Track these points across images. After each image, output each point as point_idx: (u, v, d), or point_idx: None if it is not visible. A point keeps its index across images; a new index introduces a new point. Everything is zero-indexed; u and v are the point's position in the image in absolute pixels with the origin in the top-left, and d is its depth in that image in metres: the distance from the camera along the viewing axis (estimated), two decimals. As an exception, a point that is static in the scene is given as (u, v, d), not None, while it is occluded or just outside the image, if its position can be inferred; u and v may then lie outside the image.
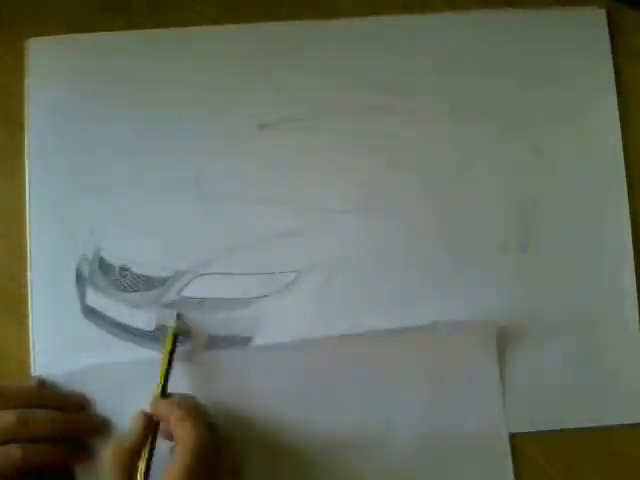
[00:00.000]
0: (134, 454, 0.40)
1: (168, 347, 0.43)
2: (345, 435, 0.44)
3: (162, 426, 0.41)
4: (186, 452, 0.38)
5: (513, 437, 0.45)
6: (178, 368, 0.44)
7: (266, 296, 0.46)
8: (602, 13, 0.48)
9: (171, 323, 0.45)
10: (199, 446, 0.38)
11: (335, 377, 0.45)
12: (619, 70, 0.48)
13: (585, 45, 0.48)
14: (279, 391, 0.45)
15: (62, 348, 0.45)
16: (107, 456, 0.40)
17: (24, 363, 0.45)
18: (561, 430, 0.45)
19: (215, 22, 0.49)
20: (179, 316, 0.45)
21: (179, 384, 0.44)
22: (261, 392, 0.45)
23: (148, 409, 0.42)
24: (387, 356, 0.45)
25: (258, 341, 0.45)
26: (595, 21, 0.48)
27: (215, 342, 0.45)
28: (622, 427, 0.45)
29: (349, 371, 0.45)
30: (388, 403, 0.45)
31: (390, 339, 0.45)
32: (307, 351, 0.45)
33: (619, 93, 0.48)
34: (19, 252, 0.46)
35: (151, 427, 0.41)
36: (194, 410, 0.41)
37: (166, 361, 0.43)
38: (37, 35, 0.48)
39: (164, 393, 0.42)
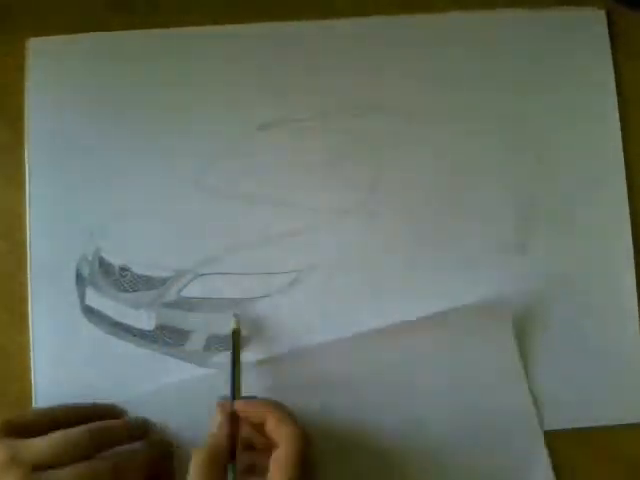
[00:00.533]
0: (225, 454, 0.39)
1: (236, 348, 0.43)
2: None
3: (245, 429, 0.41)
4: (293, 449, 0.37)
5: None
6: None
7: (266, 296, 0.46)
8: (602, 14, 0.48)
9: (231, 324, 0.44)
10: (304, 446, 0.38)
11: (354, 373, 0.45)
12: (619, 70, 0.48)
13: (585, 46, 0.48)
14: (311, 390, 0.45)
15: (62, 348, 0.45)
16: (200, 459, 0.38)
17: (24, 362, 0.45)
18: (561, 430, 0.45)
19: (215, 22, 0.48)
20: (236, 315, 0.44)
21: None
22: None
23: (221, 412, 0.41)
24: (405, 347, 0.45)
25: (257, 342, 0.45)
26: (595, 22, 0.48)
27: (215, 342, 0.45)
28: (622, 427, 0.45)
29: (370, 367, 0.45)
30: (413, 397, 0.45)
31: (407, 329, 0.45)
32: (324, 353, 0.45)
33: (619, 93, 0.48)
34: (19, 252, 0.46)
35: (236, 426, 0.40)
36: (289, 411, 0.40)
37: (234, 362, 0.43)
38: (38, 35, 0.48)
39: (236, 396, 0.42)
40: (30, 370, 0.45)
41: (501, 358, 0.45)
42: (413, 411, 0.45)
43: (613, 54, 0.48)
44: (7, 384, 0.46)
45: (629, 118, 0.48)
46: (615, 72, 0.48)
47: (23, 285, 0.46)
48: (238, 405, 0.41)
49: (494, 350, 0.45)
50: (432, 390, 0.45)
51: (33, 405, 0.45)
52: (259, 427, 0.40)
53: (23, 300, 0.46)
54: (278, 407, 0.40)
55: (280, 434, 0.38)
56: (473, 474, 0.44)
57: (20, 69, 0.48)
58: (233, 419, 0.40)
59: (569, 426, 0.45)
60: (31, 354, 0.45)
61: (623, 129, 0.47)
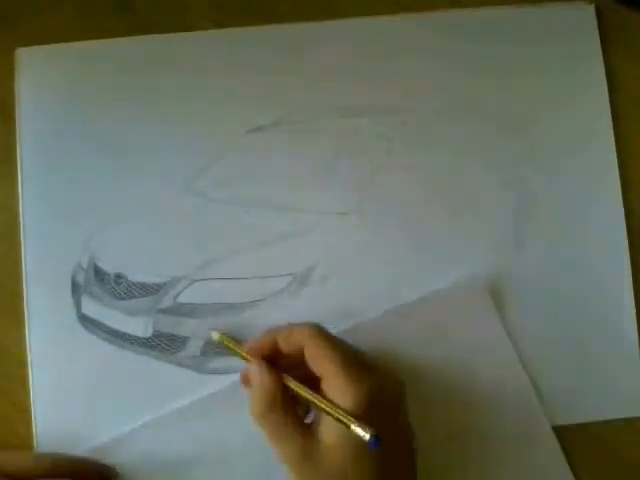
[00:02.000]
0: (279, 395, 0.38)
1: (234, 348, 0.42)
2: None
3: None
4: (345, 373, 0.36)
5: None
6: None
7: (262, 300, 0.46)
8: (591, 9, 0.48)
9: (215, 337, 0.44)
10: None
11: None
12: (612, 67, 0.48)
13: (575, 41, 0.48)
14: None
15: (60, 357, 0.45)
16: (257, 413, 0.37)
17: (22, 371, 0.45)
18: (560, 427, 0.45)
19: (216, 23, 0.48)
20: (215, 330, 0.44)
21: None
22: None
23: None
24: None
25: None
26: (584, 17, 0.48)
27: (212, 348, 0.45)
28: (621, 427, 0.45)
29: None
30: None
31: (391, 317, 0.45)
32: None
33: (610, 88, 0.48)
34: (15, 259, 0.46)
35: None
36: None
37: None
38: (34, 38, 0.48)
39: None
40: (28, 378, 0.45)
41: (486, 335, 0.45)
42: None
43: (606, 51, 0.48)
44: (5, 392, 0.46)
45: (623, 116, 0.47)
46: (609, 69, 0.48)
47: (20, 294, 0.46)
48: (272, 337, 0.39)
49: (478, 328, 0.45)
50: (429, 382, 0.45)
51: (32, 413, 0.45)
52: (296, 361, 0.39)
53: (20, 309, 0.46)
54: (315, 330, 0.38)
55: (321, 361, 0.37)
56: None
57: (11, 75, 0.48)
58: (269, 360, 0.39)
59: (567, 422, 0.45)
60: (28, 364, 0.45)
61: (616, 127, 0.47)
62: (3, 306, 0.46)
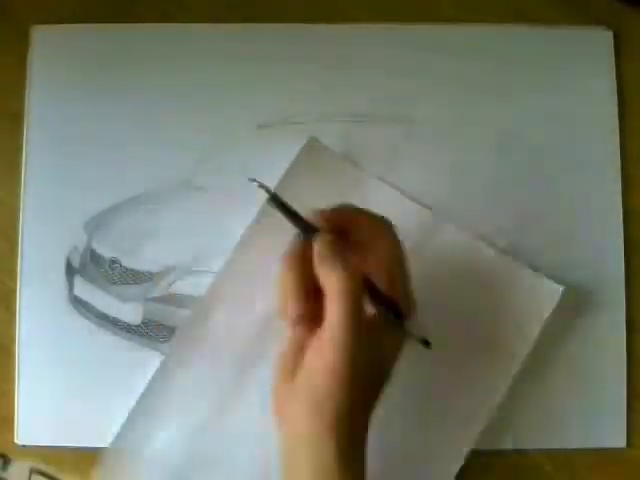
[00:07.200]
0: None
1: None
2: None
3: None
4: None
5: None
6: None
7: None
8: (609, 35, 0.48)
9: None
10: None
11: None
12: (623, 79, 0.48)
13: (590, 66, 0.48)
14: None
15: (47, 336, 0.46)
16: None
17: (11, 353, 0.46)
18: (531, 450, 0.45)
19: (223, 20, 0.48)
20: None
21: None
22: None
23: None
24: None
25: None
26: (601, 43, 0.48)
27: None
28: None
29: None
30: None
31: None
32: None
33: (621, 105, 0.47)
34: (11, 240, 0.46)
35: None
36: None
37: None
38: (39, 22, 0.48)
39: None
40: (15, 361, 0.45)
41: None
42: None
43: (618, 73, 0.47)
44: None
45: (629, 125, 0.47)
46: (618, 88, 0.47)
47: (13, 274, 0.46)
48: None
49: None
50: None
51: (16, 396, 0.45)
52: None
53: (12, 289, 0.46)
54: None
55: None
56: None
57: (21, 58, 0.48)
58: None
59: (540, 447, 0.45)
60: (16, 341, 0.45)
61: (622, 136, 0.47)
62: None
